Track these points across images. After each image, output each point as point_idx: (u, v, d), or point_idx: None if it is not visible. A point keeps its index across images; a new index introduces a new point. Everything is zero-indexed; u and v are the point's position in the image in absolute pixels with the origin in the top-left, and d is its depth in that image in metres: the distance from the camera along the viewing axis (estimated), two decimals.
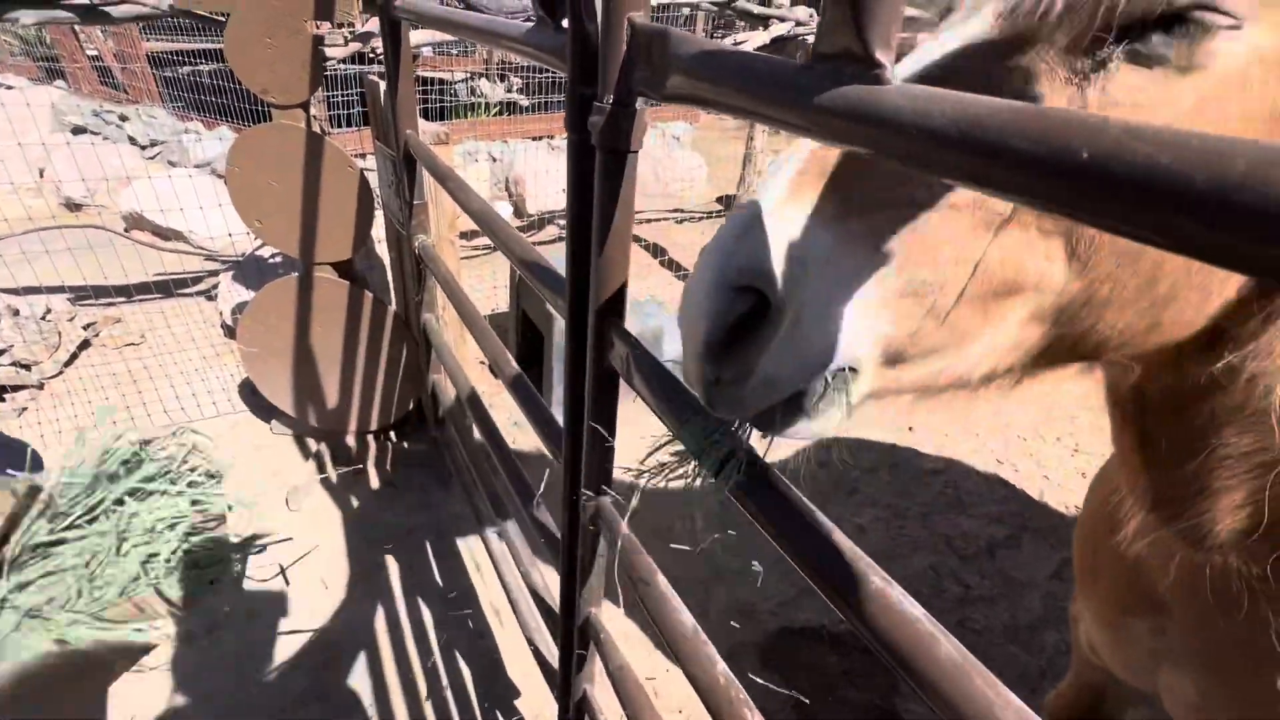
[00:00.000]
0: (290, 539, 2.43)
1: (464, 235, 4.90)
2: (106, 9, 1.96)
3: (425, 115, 5.42)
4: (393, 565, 2.42)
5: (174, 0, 1.88)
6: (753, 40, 3.50)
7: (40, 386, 3.11)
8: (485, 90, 7.94)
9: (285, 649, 2.09)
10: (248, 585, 2.27)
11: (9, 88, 5.68)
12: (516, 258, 1.19)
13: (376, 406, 2.73)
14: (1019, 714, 0.44)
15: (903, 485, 3.02)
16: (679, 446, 0.71)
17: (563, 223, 5.51)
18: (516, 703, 2.03)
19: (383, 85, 2.26)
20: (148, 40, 5.46)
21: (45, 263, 3.52)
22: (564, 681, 1.43)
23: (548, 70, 7.36)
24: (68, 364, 3.27)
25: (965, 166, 0.35)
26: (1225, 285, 0.61)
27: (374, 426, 2.77)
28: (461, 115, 6.38)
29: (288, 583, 2.30)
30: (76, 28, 5.33)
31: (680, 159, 6.30)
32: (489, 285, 4.16)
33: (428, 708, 1.98)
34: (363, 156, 4.73)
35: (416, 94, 2.00)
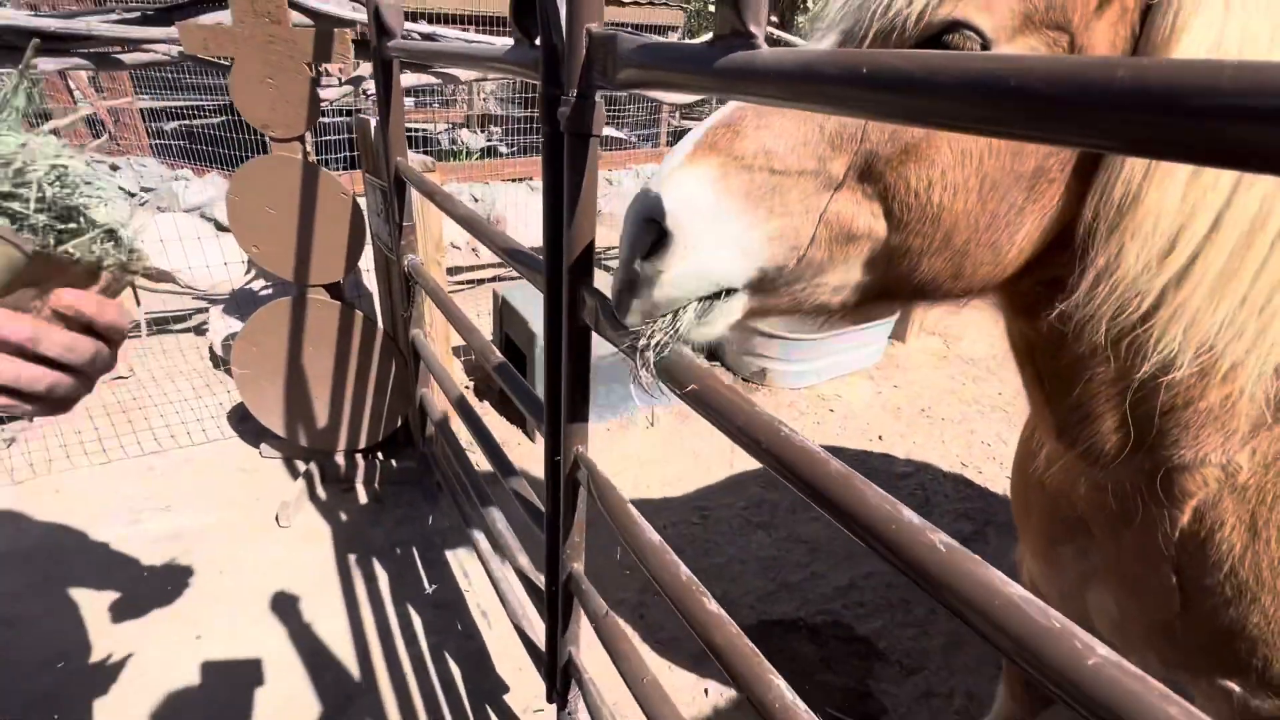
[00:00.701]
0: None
1: (449, 271, 5.08)
2: (119, 56, 2.14)
3: None
4: (382, 575, 2.48)
5: (183, 47, 2.07)
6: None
7: (30, 419, 3.17)
8: (466, 139, 8.29)
9: (276, 654, 2.14)
10: (236, 593, 2.32)
11: None
12: (499, 247, 1.36)
13: (366, 425, 2.83)
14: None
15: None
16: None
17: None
18: (506, 698, 2.08)
19: (373, 121, 2.46)
20: (140, 98, 5.70)
21: None
22: (550, 646, 1.52)
23: (526, 121, 7.73)
24: None
25: (804, 94, 0.53)
26: (1007, 250, 0.78)
27: (363, 444, 2.86)
28: (445, 161, 6.66)
29: (273, 596, 2.35)
30: (71, 83, 5.56)
31: None
32: (473, 314, 4.30)
33: (419, 705, 2.03)
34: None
35: (406, 144, 2.18)
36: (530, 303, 3.34)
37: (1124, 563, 1.10)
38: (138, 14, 2.17)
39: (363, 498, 2.86)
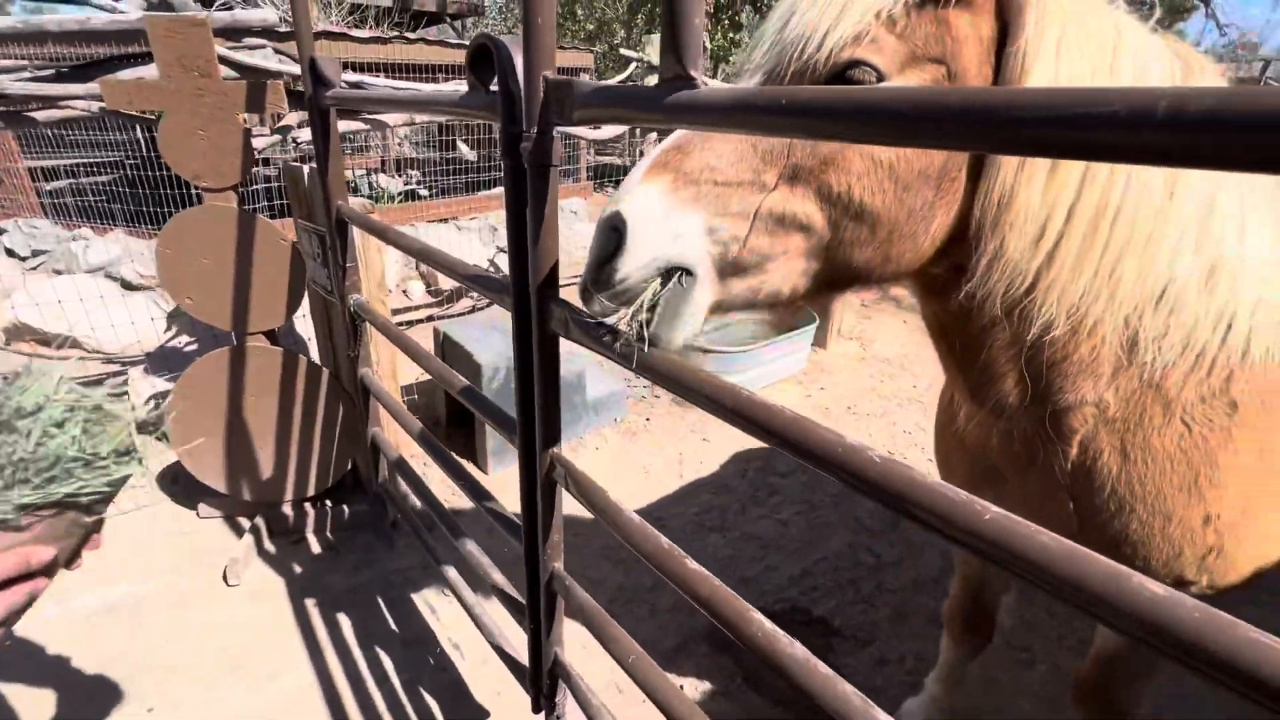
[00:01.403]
0: None
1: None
2: (33, 114, 2.09)
3: None
4: (344, 622, 2.43)
5: (104, 103, 2.06)
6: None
7: None
8: (384, 184, 8.22)
9: (241, 716, 2.06)
10: (188, 660, 2.22)
11: None
12: (459, 275, 1.46)
13: (314, 471, 2.78)
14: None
15: (815, 482, 3.38)
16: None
17: (474, 296, 5.75)
18: None
19: (305, 169, 2.50)
20: (27, 159, 5.36)
21: None
22: (535, 654, 1.58)
23: (444, 163, 7.78)
24: None
25: (738, 122, 0.69)
26: (923, 240, 0.98)
27: (312, 492, 2.80)
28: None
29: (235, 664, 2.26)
30: None
31: (579, 230, 6.85)
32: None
33: None
34: None
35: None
36: (474, 338, 3.39)
37: (1032, 498, 1.30)
38: (52, 71, 2.14)
39: (315, 547, 2.79)
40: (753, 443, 3.72)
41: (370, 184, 8.24)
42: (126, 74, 2.18)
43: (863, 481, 0.68)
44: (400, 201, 6.83)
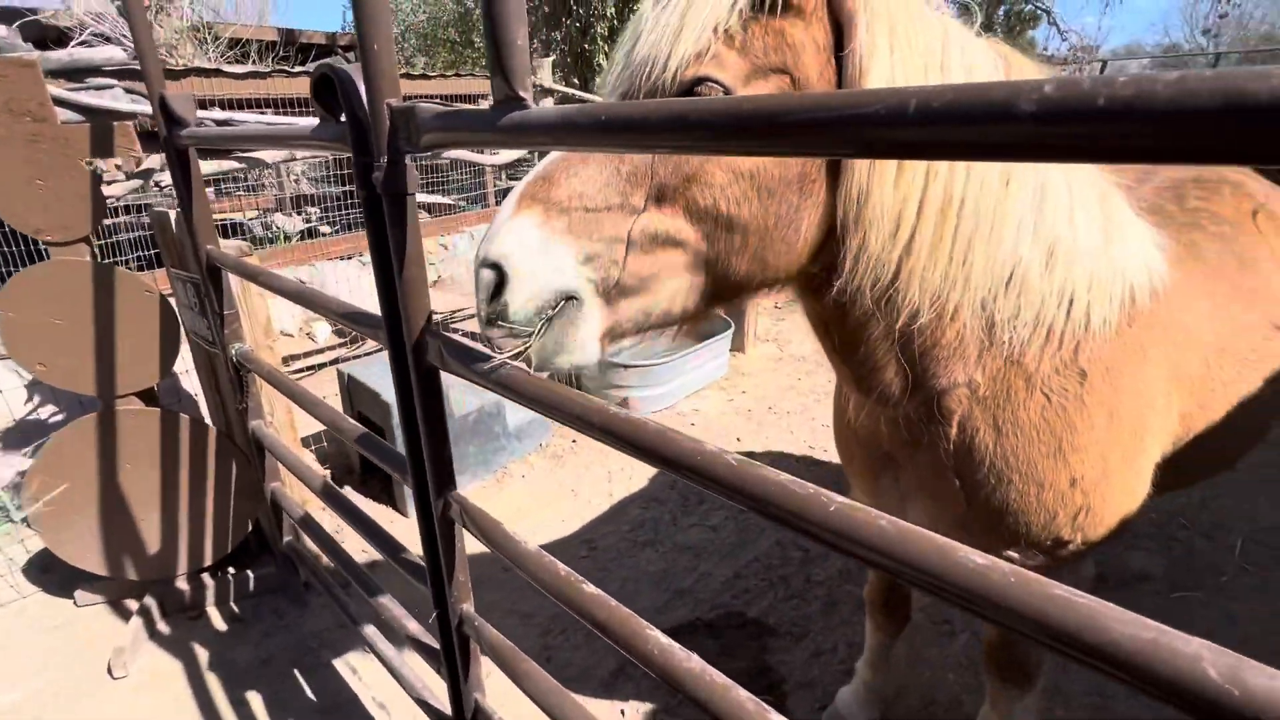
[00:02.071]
0: None
1: (283, 361, 4.75)
2: None
3: None
4: (254, 697, 2.24)
5: None
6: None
7: None
8: (281, 223, 7.83)
9: None
10: None
11: None
12: (334, 312, 1.39)
13: (210, 538, 2.56)
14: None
15: None
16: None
17: None
18: None
19: (173, 213, 2.33)
20: None
21: None
22: (456, 703, 1.50)
23: (345, 197, 7.49)
24: None
25: (565, 139, 0.69)
26: (796, 242, 1.01)
27: (209, 561, 2.58)
28: (261, 249, 6.24)
29: None
30: None
31: None
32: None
33: None
34: None
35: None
36: (381, 376, 3.25)
37: (923, 479, 1.36)
38: None
39: (218, 621, 2.56)
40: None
41: (266, 225, 7.82)
42: None
43: (721, 485, 0.68)
44: (298, 241, 6.51)
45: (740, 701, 0.79)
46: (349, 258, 6.17)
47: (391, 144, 0.99)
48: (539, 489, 3.45)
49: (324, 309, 1.46)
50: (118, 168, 2.08)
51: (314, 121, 1.31)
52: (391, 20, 0.99)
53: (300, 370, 4.84)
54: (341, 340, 5.46)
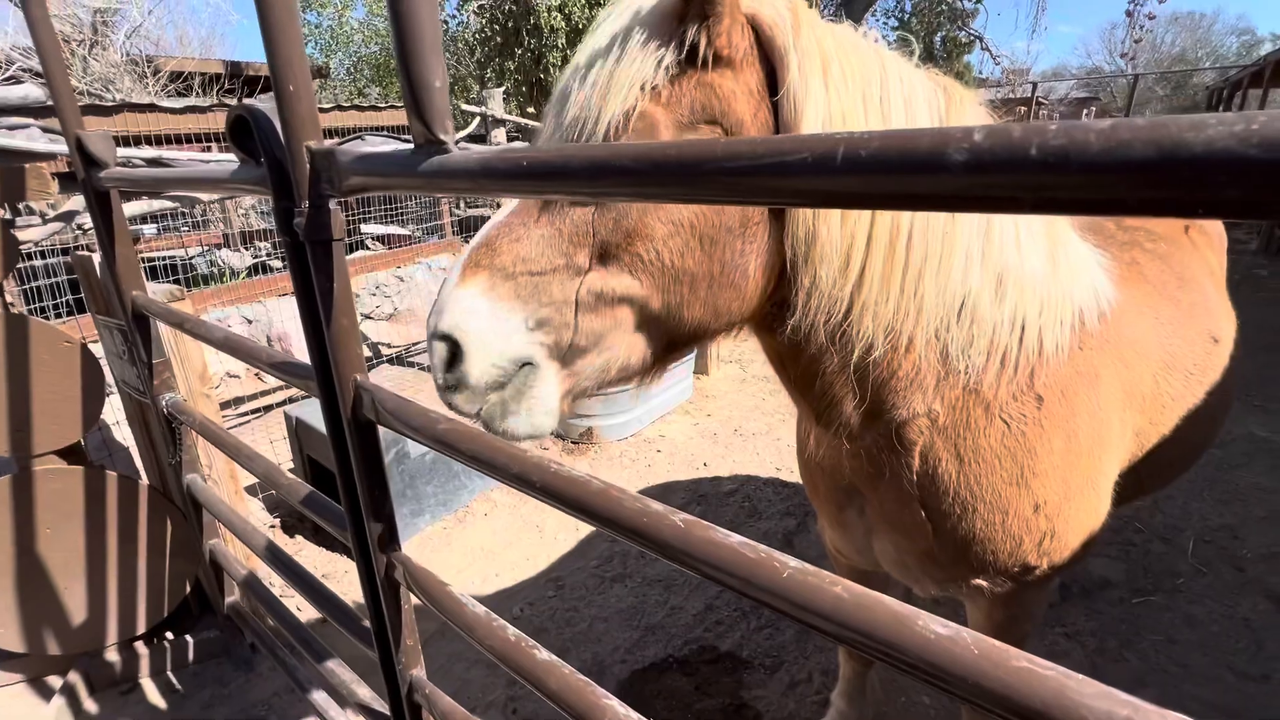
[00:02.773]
0: None
1: (226, 405, 4.54)
2: None
3: None
4: None
5: None
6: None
7: None
8: (228, 259, 7.57)
9: None
10: None
11: None
12: (264, 364, 1.30)
13: (143, 603, 2.38)
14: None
15: (710, 510, 3.39)
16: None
17: None
18: None
19: (95, 257, 2.20)
20: None
21: None
22: None
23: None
24: None
25: (485, 185, 0.64)
26: (745, 287, 0.98)
27: (143, 628, 2.39)
28: (205, 286, 6.01)
29: None
30: None
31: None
32: (267, 442, 3.89)
33: None
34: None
35: (143, 274, 1.98)
36: None
37: (887, 510, 1.34)
38: None
39: (153, 693, 2.37)
40: (646, 482, 3.69)
41: (211, 261, 7.56)
42: None
43: (667, 549, 0.63)
44: (245, 277, 6.29)
45: None
46: None
47: (314, 188, 0.93)
48: (502, 526, 3.33)
49: (252, 359, 1.37)
50: (31, 210, 1.95)
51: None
52: (306, 62, 0.93)
53: (253, 411, 4.63)
54: None
